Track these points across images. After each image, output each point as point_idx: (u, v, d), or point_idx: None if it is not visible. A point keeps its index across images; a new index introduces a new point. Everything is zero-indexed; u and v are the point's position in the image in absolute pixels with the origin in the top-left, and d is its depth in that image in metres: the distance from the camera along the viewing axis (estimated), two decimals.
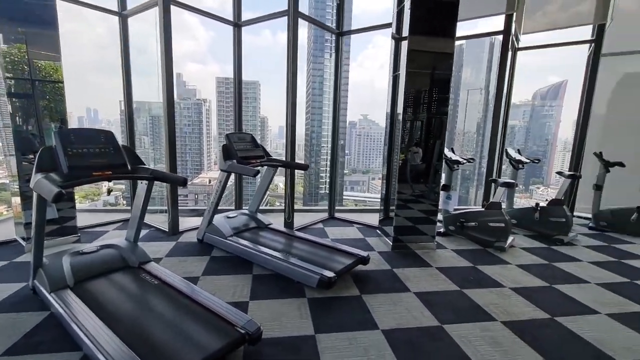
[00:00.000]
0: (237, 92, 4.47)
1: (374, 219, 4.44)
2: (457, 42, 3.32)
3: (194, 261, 3.07)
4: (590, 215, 4.73)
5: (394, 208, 3.53)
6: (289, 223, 3.90)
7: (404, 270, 3.00)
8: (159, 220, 4.10)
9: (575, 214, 5.09)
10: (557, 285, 2.83)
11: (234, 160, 3.17)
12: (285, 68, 3.71)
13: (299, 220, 4.38)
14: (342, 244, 3.23)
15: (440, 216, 4.14)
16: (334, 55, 4.57)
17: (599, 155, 4.49)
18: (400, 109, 3.37)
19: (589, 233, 4.43)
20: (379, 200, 4.07)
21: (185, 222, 4.10)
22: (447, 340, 2.00)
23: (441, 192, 3.95)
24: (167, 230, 3.81)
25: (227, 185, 3.43)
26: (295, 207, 4.11)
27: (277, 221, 3.97)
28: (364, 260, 2.88)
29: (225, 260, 3.12)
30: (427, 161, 3.46)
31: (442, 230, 4.15)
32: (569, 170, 4.86)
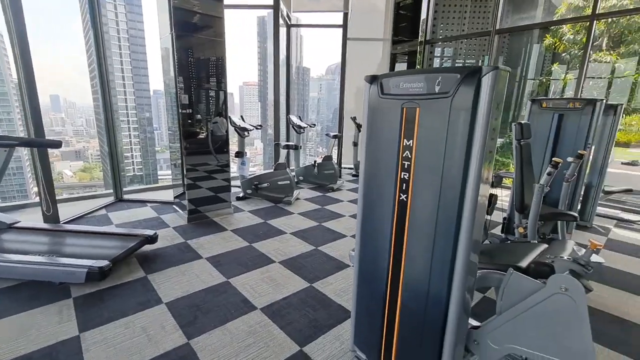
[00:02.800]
0: None
1: (171, 196, 4.19)
2: (256, 13, 3.38)
3: None
4: (352, 165, 6.19)
5: (188, 180, 3.44)
6: (50, 216, 3.12)
7: (198, 240, 3.03)
8: None
9: (343, 166, 6.51)
10: (324, 222, 3.60)
11: None
12: None
13: (71, 210, 3.58)
14: (126, 228, 2.89)
15: (239, 182, 4.37)
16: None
17: (354, 119, 5.83)
18: (176, 75, 3.18)
19: (351, 179, 5.81)
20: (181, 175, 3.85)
21: None
22: (231, 291, 2.21)
23: (236, 159, 4.13)
24: None
25: None
26: (77, 195, 3.31)
27: (35, 217, 3.10)
28: (151, 240, 2.70)
29: None
30: (216, 131, 3.50)
31: (241, 194, 4.40)
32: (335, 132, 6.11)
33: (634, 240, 3.36)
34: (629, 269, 2.72)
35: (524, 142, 2.58)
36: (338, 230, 3.37)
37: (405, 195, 1.28)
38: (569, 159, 2.55)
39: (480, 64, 6.05)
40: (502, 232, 3.09)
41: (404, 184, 1.27)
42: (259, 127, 4.39)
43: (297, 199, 4.49)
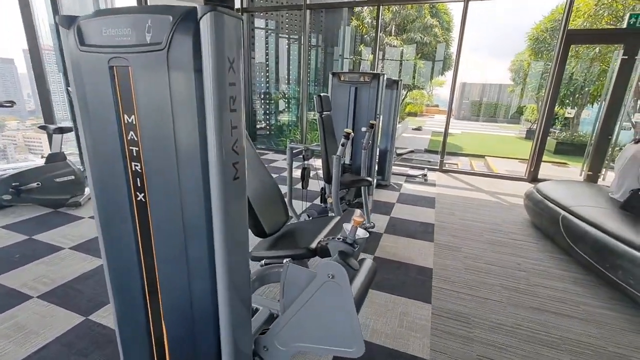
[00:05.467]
0: None
1: None
2: None
3: None
4: None
5: None
6: None
7: None
8: None
9: None
10: None
11: None
12: None
13: None
14: None
15: None
16: None
17: None
18: None
19: None
20: None
21: None
22: None
23: None
24: None
25: None
26: None
27: None
28: None
29: None
30: None
31: None
32: None
33: (416, 191, 4.19)
34: (412, 216, 3.32)
35: (324, 115, 2.63)
36: None
37: (142, 194, 0.91)
38: (363, 129, 2.79)
39: (308, 41, 6.16)
40: (320, 202, 3.22)
41: (138, 179, 0.90)
42: (7, 105, 3.06)
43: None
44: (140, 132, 0.84)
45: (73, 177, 3.25)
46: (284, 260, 1.06)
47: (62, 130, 3.20)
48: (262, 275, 1.08)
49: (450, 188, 4.41)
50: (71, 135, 4.84)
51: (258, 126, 8.04)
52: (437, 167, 5.30)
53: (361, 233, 1.04)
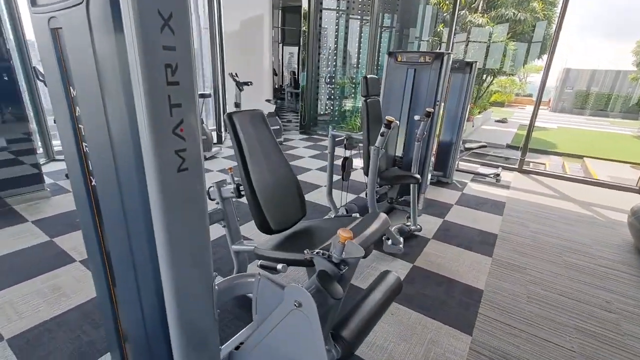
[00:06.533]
0: None
1: None
2: None
3: None
4: None
5: None
6: None
7: None
8: None
9: None
10: None
11: None
12: None
13: None
14: None
15: None
16: None
17: (233, 76, 5.11)
18: None
19: None
20: None
21: None
22: None
23: None
24: None
25: None
26: None
27: None
28: None
29: None
30: None
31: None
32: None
33: (482, 192, 3.62)
34: (471, 222, 2.84)
35: (370, 100, 2.33)
36: None
37: (94, 180, 0.80)
38: (416, 117, 2.41)
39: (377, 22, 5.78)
40: (366, 195, 2.96)
41: (89, 162, 0.79)
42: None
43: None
44: (79, 108, 0.72)
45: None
46: (257, 273, 0.87)
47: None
48: (231, 286, 0.92)
49: (527, 192, 3.71)
50: None
51: (320, 111, 7.91)
52: (516, 167, 4.53)
53: (353, 251, 0.80)
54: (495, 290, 1.96)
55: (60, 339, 1.45)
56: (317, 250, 0.85)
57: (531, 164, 4.62)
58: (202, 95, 4.39)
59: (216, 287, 0.88)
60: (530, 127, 4.30)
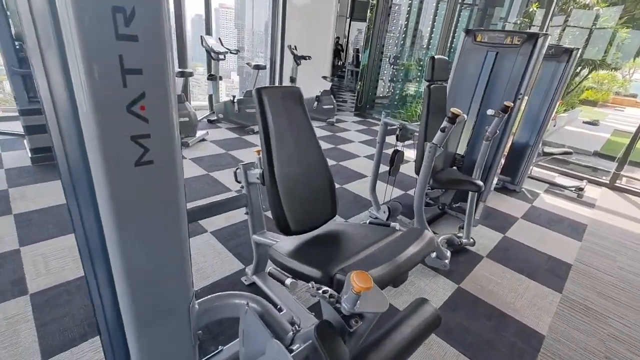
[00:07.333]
0: None
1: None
2: None
3: None
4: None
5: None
6: None
7: (27, 187, 2.35)
8: None
9: None
10: (213, 172, 2.98)
11: None
12: None
13: None
14: None
15: None
16: None
17: (292, 49, 4.92)
18: None
19: None
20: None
21: None
22: (12, 264, 1.63)
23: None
24: None
25: None
26: None
27: None
28: None
29: None
30: None
31: None
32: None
33: (557, 208, 3.04)
34: (539, 244, 2.38)
35: (435, 86, 1.96)
36: (224, 182, 2.79)
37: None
38: (489, 112, 1.98)
39: None
40: None
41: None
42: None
43: (204, 140, 3.78)
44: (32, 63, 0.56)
45: (188, 119, 3.55)
46: (246, 303, 0.68)
47: (183, 74, 3.47)
48: (213, 309, 0.74)
49: (618, 216, 3.04)
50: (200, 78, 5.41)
51: (379, 93, 7.41)
52: (606, 181, 3.76)
53: (371, 304, 0.55)
54: (561, 338, 1.57)
55: (75, 304, 1.45)
56: (324, 289, 0.63)
57: (625, 179, 3.80)
58: (257, 67, 4.25)
59: (197, 306, 0.70)
60: (637, 135, 3.49)
